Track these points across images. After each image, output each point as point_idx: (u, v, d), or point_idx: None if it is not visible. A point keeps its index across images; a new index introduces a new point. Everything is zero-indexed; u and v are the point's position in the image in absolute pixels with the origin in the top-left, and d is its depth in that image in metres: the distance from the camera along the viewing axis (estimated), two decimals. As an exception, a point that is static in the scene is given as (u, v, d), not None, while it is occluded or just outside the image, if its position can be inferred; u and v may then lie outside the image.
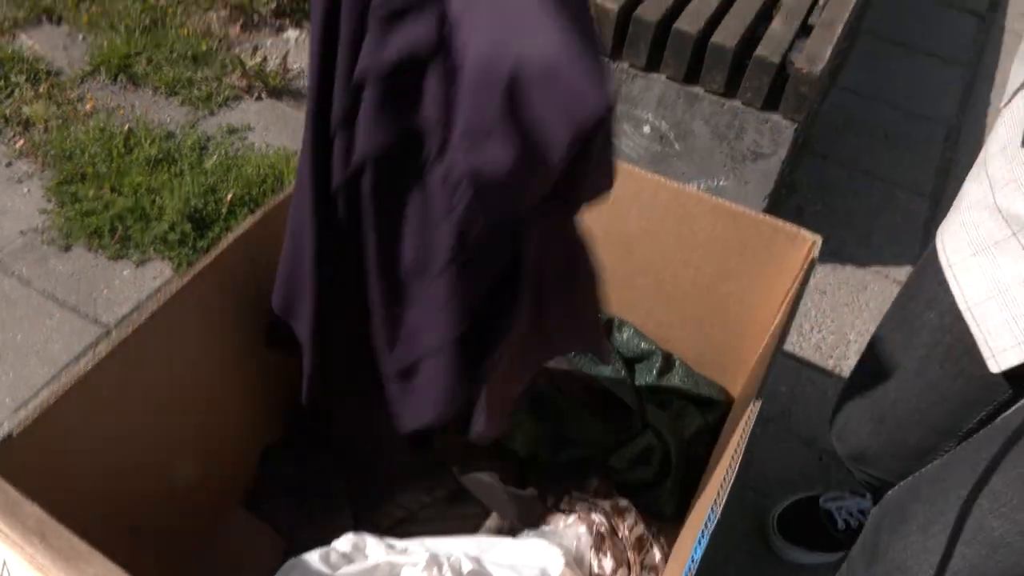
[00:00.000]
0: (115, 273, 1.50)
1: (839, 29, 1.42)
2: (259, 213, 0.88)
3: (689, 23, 1.40)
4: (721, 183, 1.56)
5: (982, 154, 0.76)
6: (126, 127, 1.75)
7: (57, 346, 1.36)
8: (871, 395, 0.92)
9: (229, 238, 0.84)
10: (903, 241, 1.82)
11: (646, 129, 1.55)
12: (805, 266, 0.99)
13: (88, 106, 1.79)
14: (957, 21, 2.61)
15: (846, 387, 1.00)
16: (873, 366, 0.91)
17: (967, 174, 0.80)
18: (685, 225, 1.07)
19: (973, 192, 0.74)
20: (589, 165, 0.57)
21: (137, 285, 1.48)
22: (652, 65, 1.46)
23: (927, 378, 0.82)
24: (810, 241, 1.00)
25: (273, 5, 2.15)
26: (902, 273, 1.74)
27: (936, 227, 0.84)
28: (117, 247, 1.52)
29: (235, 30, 2.11)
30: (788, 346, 1.55)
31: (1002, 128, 0.72)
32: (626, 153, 1.61)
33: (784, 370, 1.50)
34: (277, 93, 1.93)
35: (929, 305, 0.80)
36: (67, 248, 1.52)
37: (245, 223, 0.87)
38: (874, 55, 2.37)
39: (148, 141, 1.71)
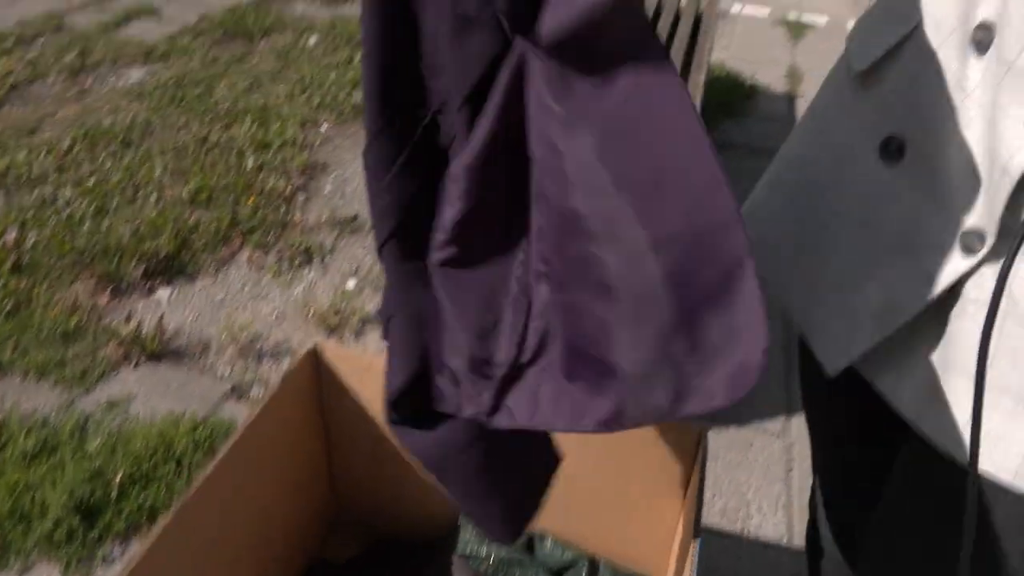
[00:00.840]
0: (-2, 586, 1.39)
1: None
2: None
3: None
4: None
5: None
6: (-4, 421, 1.68)
7: None
8: None
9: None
10: (771, 391, 1.99)
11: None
12: (700, 455, 1.08)
13: (-49, 406, 1.72)
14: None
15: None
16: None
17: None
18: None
19: None
20: None
21: (25, 595, 1.38)
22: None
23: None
24: (697, 431, 1.10)
25: (141, 268, 2.18)
26: (778, 424, 1.88)
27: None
28: (-2, 557, 1.42)
29: (103, 299, 2.11)
30: (697, 518, 1.62)
31: None
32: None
33: (699, 544, 1.56)
34: (156, 356, 1.93)
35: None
36: (-60, 569, 1.41)
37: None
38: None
39: (22, 433, 1.65)
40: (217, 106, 3.13)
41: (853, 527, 1.00)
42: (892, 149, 0.68)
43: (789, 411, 1.94)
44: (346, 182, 2.76)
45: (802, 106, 3.53)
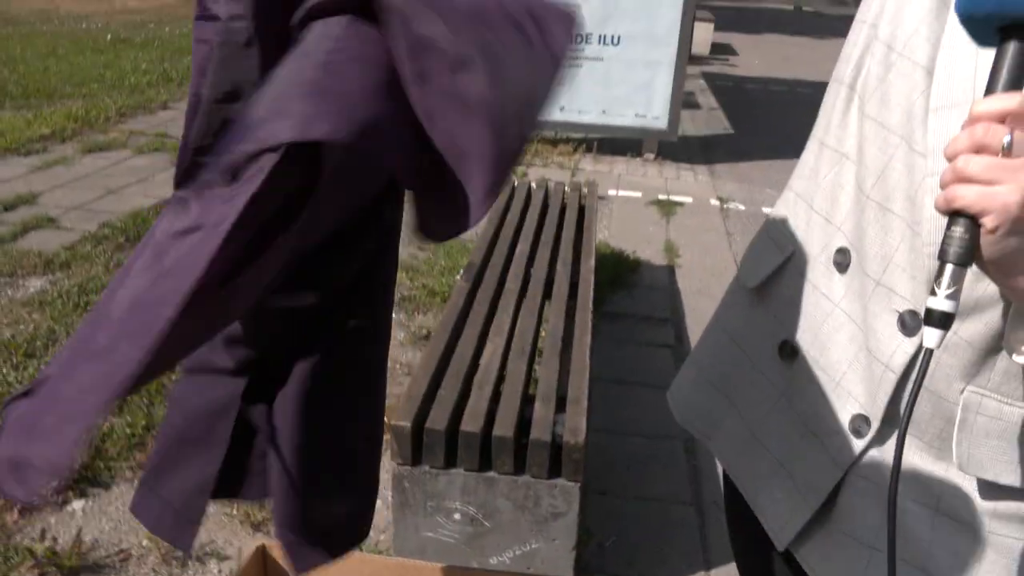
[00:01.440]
0: None
1: (584, 402, 1.78)
2: None
3: (471, 423, 1.67)
4: (532, 545, 1.75)
5: None
6: None
7: None
8: None
9: None
10: (683, 547, 2.10)
11: (457, 516, 1.73)
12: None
13: None
14: (655, 354, 3.24)
15: None
16: None
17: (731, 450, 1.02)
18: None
19: None
20: None
21: None
22: (450, 463, 1.69)
23: None
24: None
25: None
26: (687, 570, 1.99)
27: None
28: None
29: (12, 517, 2.04)
30: None
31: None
32: (443, 540, 1.76)
33: None
34: (75, 572, 1.86)
35: None
36: None
37: None
38: (606, 396, 2.85)
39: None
40: (125, 310, 3.17)
41: None
42: (787, 351, 0.86)
43: (708, 566, 2.05)
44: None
45: (681, 276, 3.91)
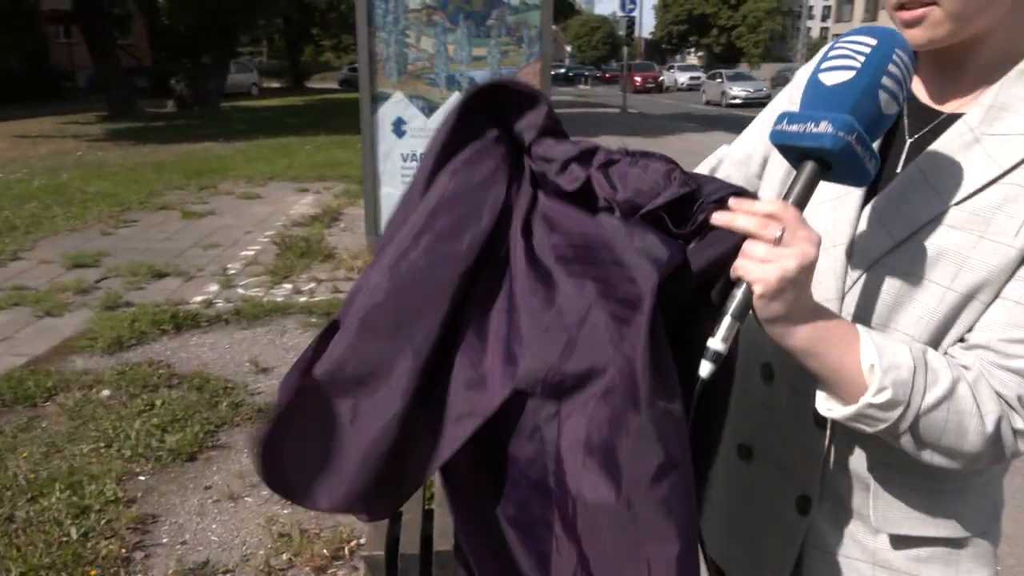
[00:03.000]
0: None
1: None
2: None
3: (443, 542, 1.74)
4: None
5: None
6: None
7: None
8: None
9: None
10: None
11: (436, 637, 1.77)
12: None
13: None
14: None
15: None
16: None
17: None
18: None
19: None
20: None
21: None
22: (425, 584, 1.74)
23: None
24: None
25: None
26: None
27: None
28: None
29: None
30: None
31: None
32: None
33: None
34: None
35: None
36: None
37: None
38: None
39: None
40: (16, 480, 2.97)
41: None
42: (744, 453, 1.03)
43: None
44: (182, 528, 2.71)
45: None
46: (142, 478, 3.02)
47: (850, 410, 0.77)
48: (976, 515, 0.91)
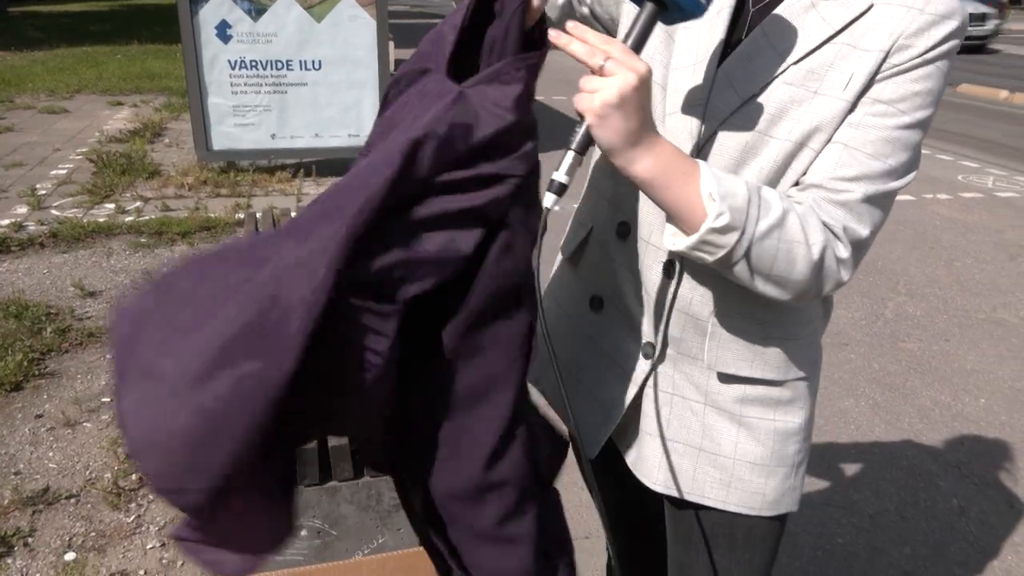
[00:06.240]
0: None
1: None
2: None
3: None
4: (379, 540, 1.87)
5: None
6: None
7: None
8: None
9: None
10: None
11: (304, 533, 1.80)
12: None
13: None
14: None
15: None
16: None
17: None
18: None
19: None
20: None
21: None
22: (291, 482, 1.75)
23: None
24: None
25: None
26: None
27: None
28: None
29: None
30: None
31: None
32: (291, 559, 1.82)
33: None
34: None
35: None
36: None
37: None
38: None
39: None
40: None
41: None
42: (596, 304, 1.11)
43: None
44: (14, 459, 2.54)
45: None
46: (-40, 410, 2.78)
47: (693, 238, 0.83)
48: (799, 362, 1.03)
